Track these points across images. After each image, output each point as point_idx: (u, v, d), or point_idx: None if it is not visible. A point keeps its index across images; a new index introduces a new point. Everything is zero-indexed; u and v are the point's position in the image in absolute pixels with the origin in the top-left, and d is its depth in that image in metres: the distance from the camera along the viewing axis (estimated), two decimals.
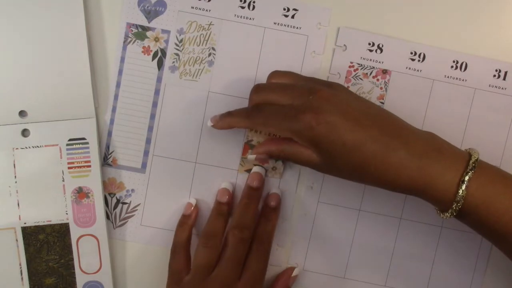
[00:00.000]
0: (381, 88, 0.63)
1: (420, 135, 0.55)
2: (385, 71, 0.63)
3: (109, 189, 0.63)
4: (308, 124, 0.54)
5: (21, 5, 0.60)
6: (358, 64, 0.63)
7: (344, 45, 0.63)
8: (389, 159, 0.53)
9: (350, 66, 0.63)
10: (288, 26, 0.63)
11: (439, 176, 0.53)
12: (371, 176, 0.54)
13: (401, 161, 0.53)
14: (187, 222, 0.62)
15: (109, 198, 0.63)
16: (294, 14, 0.63)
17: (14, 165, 0.60)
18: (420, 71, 0.63)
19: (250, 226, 0.60)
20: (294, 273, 0.64)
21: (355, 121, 0.53)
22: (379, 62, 0.63)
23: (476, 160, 0.53)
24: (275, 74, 0.59)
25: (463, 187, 0.52)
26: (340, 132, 0.53)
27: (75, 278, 0.62)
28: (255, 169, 0.63)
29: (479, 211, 0.52)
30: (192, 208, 0.62)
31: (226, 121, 0.59)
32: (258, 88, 0.58)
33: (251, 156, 0.60)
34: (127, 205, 0.63)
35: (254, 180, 0.62)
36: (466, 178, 0.52)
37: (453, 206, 0.52)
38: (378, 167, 0.53)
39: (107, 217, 0.63)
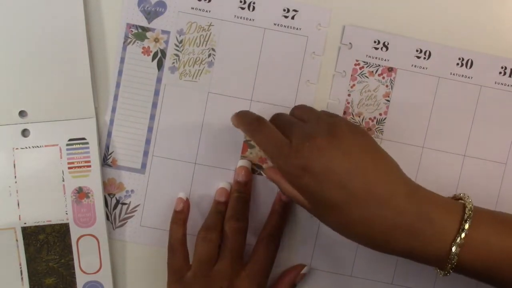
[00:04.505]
0: (386, 86, 0.63)
1: (413, 196, 0.52)
2: (390, 69, 0.63)
3: (109, 189, 0.63)
4: (294, 171, 0.52)
5: (21, 5, 0.60)
6: (364, 62, 0.63)
7: (350, 43, 0.63)
8: (376, 226, 0.51)
9: (355, 64, 0.63)
10: (288, 27, 0.62)
11: (432, 234, 0.51)
12: (359, 237, 0.52)
13: (388, 227, 0.51)
14: (180, 217, 0.62)
15: (108, 199, 0.63)
16: (294, 15, 0.62)
17: (14, 165, 0.61)
18: (426, 68, 0.62)
19: (245, 216, 0.61)
20: (303, 271, 0.63)
21: (342, 178, 0.51)
22: (385, 60, 0.63)
23: (471, 206, 0.51)
24: (297, 107, 0.60)
25: (463, 235, 0.50)
26: (324, 187, 0.51)
27: (75, 278, 0.62)
28: (241, 163, 0.63)
29: (480, 258, 0.51)
30: (183, 202, 0.62)
31: (234, 120, 0.59)
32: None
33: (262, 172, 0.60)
34: (126, 205, 0.63)
35: (240, 174, 0.62)
36: (466, 226, 0.50)
37: (451, 255, 0.50)
38: (364, 230, 0.51)
39: (107, 217, 0.63)
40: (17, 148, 0.61)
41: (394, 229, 0.51)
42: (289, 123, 0.56)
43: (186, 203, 0.63)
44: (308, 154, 0.52)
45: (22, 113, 0.61)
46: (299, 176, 0.52)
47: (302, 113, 0.58)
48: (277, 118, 0.58)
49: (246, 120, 0.57)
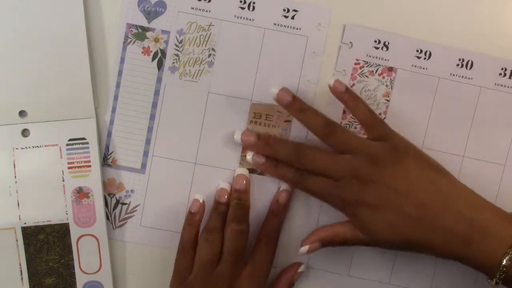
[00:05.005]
0: (386, 86, 0.63)
1: (464, 217, 0.55)
2: (390, 69, 0.63)
3: (109, 189, 0.63)
4: (347, 204, 0.57)
5: (21, 5, 0.60)
6: (364, 61, 0.63)
7: (350, 42, 0.63)
8: (434, 244, 0.56)
9: (356, 64, 0.63)
10: (288, 27, 0.62)
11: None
12: (416, 250, 0.57)
13: (442, 239, 0.55)
14: (195, 219, 0.62)
15: (108, 199, 0.63)
16: (294, 15, 0.62)
17: (14, 165, 0.61)
18: (426, 69, 0.62)
19: (246, 219, 0.61)
20: (300, 269, 0.64)
21: (395, 202, 0.56)
22: (385, 59, 0.63)
23: None
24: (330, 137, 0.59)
25: None
26: (378, 213, 0.56)
27: (75, 278, 0.62)
28: (239, 171, 0.63)
29: None
30: (199, 204, 0.62)
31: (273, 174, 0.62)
32: (297, 149, 0.60)
33: (303, 249, 0.60)
34: (126, 205, 0.63)
35: (238, 182, 0.62)
36: None
37: (501, 266, 0.53)
38: (420, 245, 0.56)
39: (107, 217, 0.63)
40: (17, 148, 0.61)
41: (448, 240, 0.55)
42: (327, 164, 0.58)
43: (202, 206, 0.63)
44: (358, 189, 0.57)
45: (22, 113, 0.61)
46: (353, 207, 0.57)
47: (337, 144, 0.59)
48: (312, 160, 0.59)
49: (288, 176, 0.60)
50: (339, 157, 0.58)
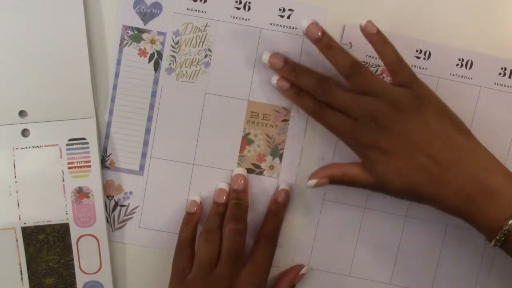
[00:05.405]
0: None
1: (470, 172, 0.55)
2: None
3: (107, 191, 0.63)
4: (361, 146, 0.58)
5: (21, 5, 0.61)
6: (364, 62, 0.62)
7: (350, 43, 0.62)
8: (439, 197, 0.56)
9: None
10: (284, 26, 0.62)
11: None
12: (421, 201, 0.57)
13: (449, 198, 0.55)
14: (192, 219, 0.62)
15: (107, 201, 0.63)
16: (290, 15, 0.62)
17: (14, 165, 0.61)
18: (426, 69, 0.62)
19: (244, 218, 0.61)
20: (302, 271, 0.64)
21: (408, 149, 0.56)
22: None
23: None
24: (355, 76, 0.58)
25: None
26: (391, 158, 0.56)
27: (75, 278, 0.63)
28: (237, 171, 0.63)
29: None
30: (197, 205, 0.63)
31: (294, 96, 0.61)
32: (322, 81, 0.59)
33: (311, 182, 0.59)
34: (125, 207, 0.63)
35: (236, 182, 0.62)
36: None
37: (504, 229, 0.53)
38: (427, 191, 0.56)
39: (106, 220, 0.63)
40: (17, 148, 0.61)
41: (453, 196, 0.55)
42: (349, 101, 0.58)
43: (200, 206, 0.63)
44: (374, 132, 0.57)
45: (22, 113, 0.62)
46: (366, 148, 0.57)
47: (360, 84, 0.58)
48: (334, 94, 0.59)
49: (309, 107, 0.60)
50: (360, 97, 0.57)
